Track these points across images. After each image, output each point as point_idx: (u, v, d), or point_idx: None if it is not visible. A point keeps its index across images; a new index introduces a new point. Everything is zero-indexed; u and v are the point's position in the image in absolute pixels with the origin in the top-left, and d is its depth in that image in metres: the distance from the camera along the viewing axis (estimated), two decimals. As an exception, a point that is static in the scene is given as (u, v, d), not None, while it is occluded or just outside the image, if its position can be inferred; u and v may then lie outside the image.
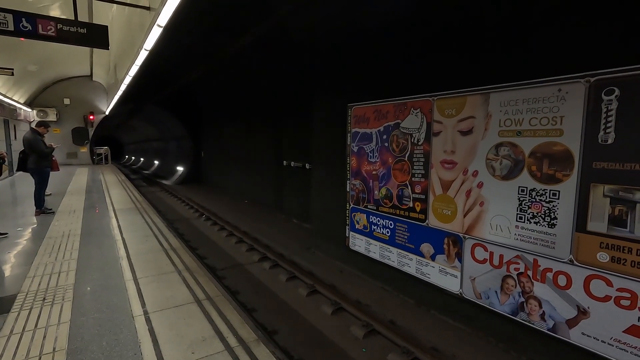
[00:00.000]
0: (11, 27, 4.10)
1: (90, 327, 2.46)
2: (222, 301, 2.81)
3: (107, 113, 18.43)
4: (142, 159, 31.85)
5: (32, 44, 10.30)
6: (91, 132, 18.57)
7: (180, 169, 19.66)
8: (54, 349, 2.19)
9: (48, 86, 16.90)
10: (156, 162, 26.14)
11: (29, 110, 16.39)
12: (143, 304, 2.79)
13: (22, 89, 14.50)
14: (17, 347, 2.21)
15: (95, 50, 12.62)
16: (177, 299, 2.89)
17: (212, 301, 2.81)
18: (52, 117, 16.74)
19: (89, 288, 3.15)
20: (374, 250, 5.23)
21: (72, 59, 14.22)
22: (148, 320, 2.53)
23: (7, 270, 3.69)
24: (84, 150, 18.66)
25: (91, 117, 18.27)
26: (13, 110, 14.04)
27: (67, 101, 17.46)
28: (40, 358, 2.08)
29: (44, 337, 2.33)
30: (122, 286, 3.17)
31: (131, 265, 3.68)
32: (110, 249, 4.33)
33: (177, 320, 2.55)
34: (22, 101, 15.20)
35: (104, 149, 20.41)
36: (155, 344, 2.24)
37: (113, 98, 13.99)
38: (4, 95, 12.53)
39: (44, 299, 2.90)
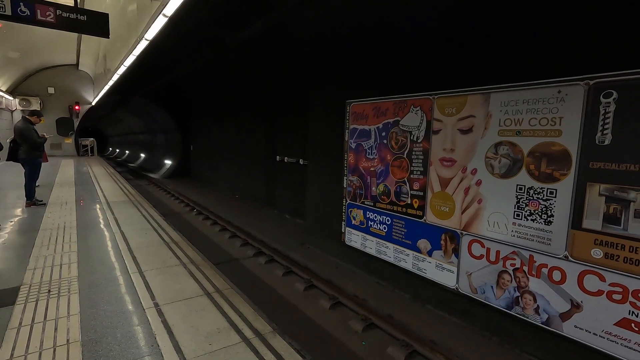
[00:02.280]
0: (8, 12, 3.96)
1: (102, 318, 2.46)
2: (232, 294, 2.83)
3: (93, 104, 17.95)
4: (127, 152, 31.17)
5: (14, 30, 9.95)
6: (76, 122, 18.06)
7: (168, 162, 19.35)
8: (68, 340, 2.17)
9: (31, 74, 16.34)
10: (142, 155, 25.63)
11: (11, 98, 15.82)
12: (152, 297, 2.79)
13: (4, 76, 13.99)
14: (29, 339, 2.18)
15: (83, 38, 12.28)
16: (186, 291, 2.90)
17: (221, 294, 2.83)
18: (35, 106, 16.20)
19: (93, 280, 3.12)
20: (370, 245, 5.30)
21: (57, 46, 13.78)
22: (160, 313, 2.54)
23: (6, 262, 3.61)
24: (69, 141, 18.14)
25: (77, 107, 17.76)
26: (-6, 98, 13.54)
27: (51, 90, 16.92)
28: (54, 350, 2.07)
29: (55, 328, 2.31)
30: (127, 279, 3.15)
31: (134, 258, 3.65)
32: (109, 241, 4.28)
33: (189, 312, 2.56)
34: (3, 89, 14.66)
35: (89, 141, 19.88)
36: (171, 335, 2.26)
37: (101, 88, 13.63)
38: (-14, 83, 12.06)
39: (49, 291, 2.86)
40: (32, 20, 4.20)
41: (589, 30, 3.13)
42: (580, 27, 3.18)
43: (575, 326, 3.11)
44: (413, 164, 4.53)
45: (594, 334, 3.00)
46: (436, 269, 4.33)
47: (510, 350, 3.60)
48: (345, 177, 5.71)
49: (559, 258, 3.19)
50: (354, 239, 5.61)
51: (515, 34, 3.59)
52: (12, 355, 2.05)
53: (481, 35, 3.87)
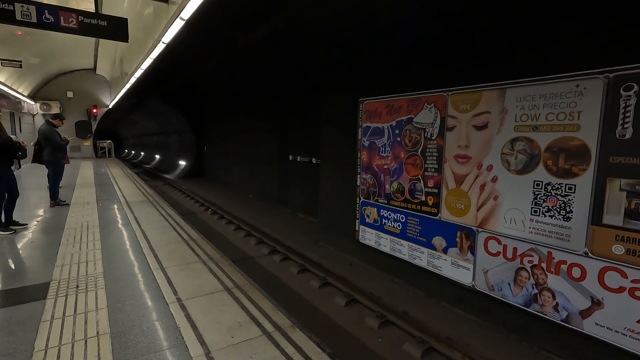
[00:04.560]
0: (34, 19, 4.15)
1: (129, 312, 2.56)
2: (251, 289, 2.91)
3: (110, 107, 18.41)
4: (142, 153, 31.82)
5: (34, 36, 10.30)
6: (94, 125, 18.57)
7: (182, 163, 19.68)
8: (98, 332, 2.28)
9: (51, 79, 16.87)
10: (157, 157, 26.13)
11: (32, 103, 16.36)
12: (175, 292, 2.89)
13: (25, 81, 14.48)
14: (62, 331, 2.30)
15: (100, 42, 12.61)
16: (206, 287, 2.99)
17: (241, 289, 2.91)
18: (55, 110, 16.73)
19: (118, 276, 3.25)
20: (385, 243, 5.31)
21: (75, 51, 14.19)
22: (183, 307, 2.63)
23: (35, 260, 3.78)
24: (87, 143, 18.67)
25: (94, 110, 18.26)
26: (17, 103, 14.03)
27: (70, 94, 17.44)
28: (86, 341, 2.18)
29: (85, 321, 2.42)
30: (150, 275, 3.26)
31: (155, 256, 3.77)
32: (131, 239, 4.42)
33: (210, 307, 2.64)
34: (25, 94, 15.17)
35: (107, 143, 20.41)
36: (195, 328, 2.34)
37: (118, 91, 13.97)
38: (10, 88, 12.51)
39: (77, 286, 2.99)
40: (56, 27, 4.38)
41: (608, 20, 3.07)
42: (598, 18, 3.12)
43: (596, 323, 3.07)
44: (427, 161, 4.53)
45: (616, 331, 2.96)
46: (452, 266, 4.32)
47: (529, 347, 3.57)
48: (358, 176, 5.73)
49: (578, 254, 3.15)
50: (368, 236, 5.63)
51: (531, 26, 3.55)
52: (47, 345, 2.16)
53: (495, 29, 3.83)
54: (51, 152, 6.12)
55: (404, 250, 4.97)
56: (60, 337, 2.23)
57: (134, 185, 9.32)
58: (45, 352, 2.10)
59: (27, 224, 5.02)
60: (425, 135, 4.53)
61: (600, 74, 2.95)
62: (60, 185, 6.83)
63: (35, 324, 2.40)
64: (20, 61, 10.49)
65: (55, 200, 6.38)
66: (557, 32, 3.38)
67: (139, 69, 8.45)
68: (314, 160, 8.16)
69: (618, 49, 2.98)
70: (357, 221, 5.82)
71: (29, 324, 2.41)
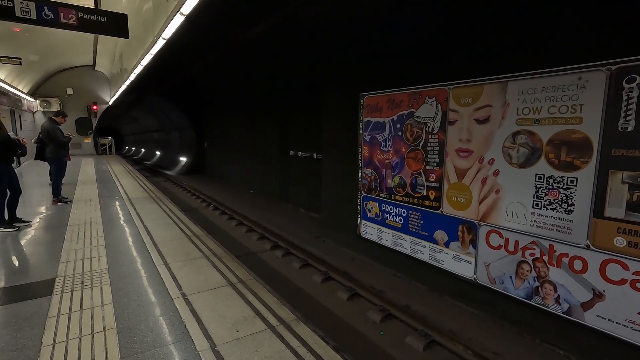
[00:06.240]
0: (34, 16, 4.14)
1: (134, 307, 2.59)
2: (255, 284, 2.93)
3: (110, 103, 18.37)
4: (142, 150, 31.81)
5: (34, 33, 10.26)
6: (94, 122, 18.56)
7: (183, 159, 19.69)
8: (104, 327, 2.31)
9: (51, 76, 16.83)
10: (158, 153, 26.13)
11: (32, 100, 16.34)
12: (179, 287, 2.91)
13: (25, 79, 14.44)
14: (69, 326, 2.33)
15: (99, 39, 12.56)
16: (210, 282, 3.02)
17: (245, 284, 2.93)
18: (55, 107, 16.69)
19: (123, 272, 3.27)
20: (386, 238, 5.33)
21: (74, 48, 14.13)
22: (188, 302, 2.66)
23: (40, 256, 3.81)
24: (88, 140, 18.67)
25: (94, 107, 18.24)
26: (17, 100, 14.01)
27: (69, 91, 17.41)
28: (93, 336, 2.21)
29: (92, 317, 2.44)
30: (154, 270, 3.29)
31: (159, 251, 3.80)
32: (134, 236, 4.44)
33: (215, 301, 2.66)
34: (25, 91, 15.14)
35: (107, 140, 20.40)
36: (200, 323, 2.37)
37: (118, 88, 13.94)
38: (9, 85, 12.49)
39: (82, 282, 3.02)
40: (56, 24, 4.37)
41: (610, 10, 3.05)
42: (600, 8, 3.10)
43: (598, 315, 3.09)
44: (429, 156, 4.53)
45: (617, 323, 2.98)
46: (453, 260, 4.34)
47: (531, 340, 3.60)
48: (360, 170, 5.74)
49: (580, 247, 3.16)
50: (370, 231, 5.64)
51: (533, 18, 3.53)
52: (54, 341, 2.19)
53: (497, 21, 3.81)
54: (54, 149, 6.13)
55: (406, 244, 4.98)
56: (67, 333, 2.26)
57: (136, 182, 9.35)
58: (53, 347, 2.13)
59: (30, 221, 5.04)
60: (427, 129, 4.52)
61: (603, 67, 2.93)
62: (62, 182, 6.85)
63: (42, 320, 2.43)
64: (20, 58, 10.46)
65: (58, 197, 6.40)
66: (559, 25, 3.36)
67: (139, 65, 8.42)
68: (315, 156, 8.16)
69: (620, 41, 2.97)
70: (358, 216, 5.83)
71: (36, 320, 2.44)
